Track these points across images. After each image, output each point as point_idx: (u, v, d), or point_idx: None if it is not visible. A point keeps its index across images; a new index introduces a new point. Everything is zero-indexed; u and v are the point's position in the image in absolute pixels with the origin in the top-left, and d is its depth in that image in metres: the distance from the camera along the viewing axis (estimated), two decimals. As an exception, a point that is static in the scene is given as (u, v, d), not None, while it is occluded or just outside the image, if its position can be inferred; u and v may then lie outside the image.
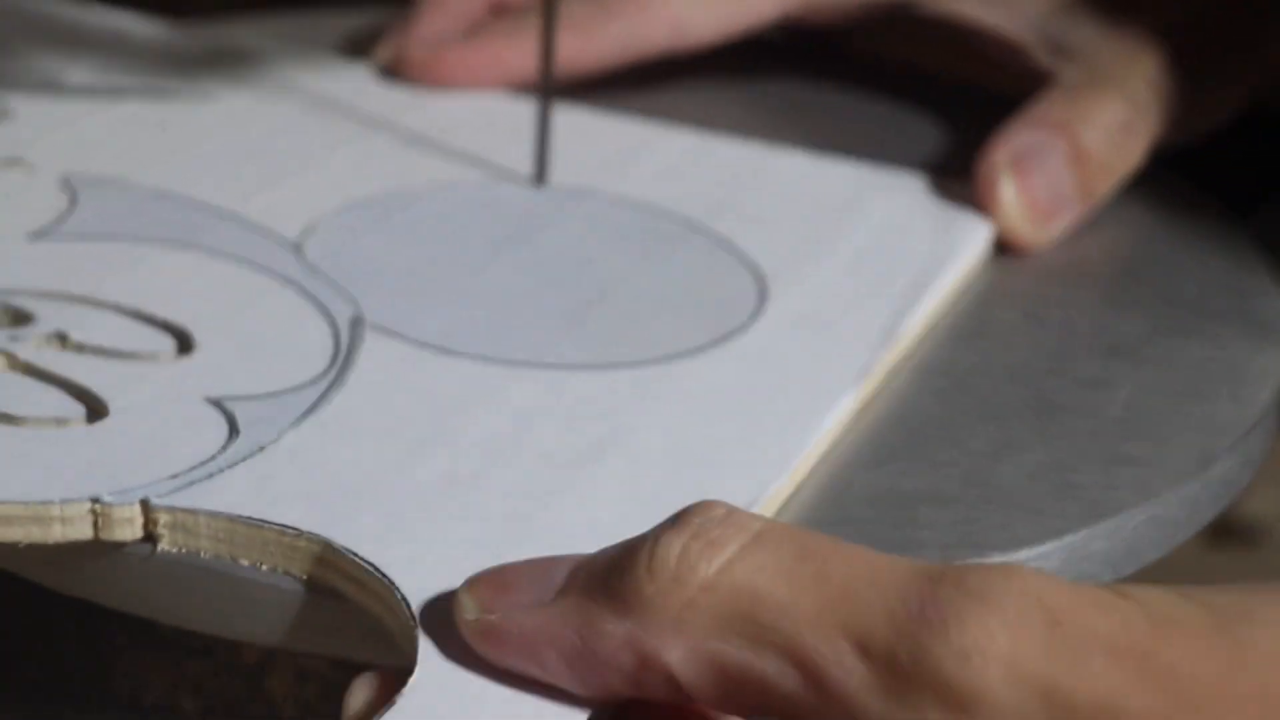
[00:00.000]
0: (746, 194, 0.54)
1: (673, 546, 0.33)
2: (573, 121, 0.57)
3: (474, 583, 0.35)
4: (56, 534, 0.38)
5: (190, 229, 0.49)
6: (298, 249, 0.49)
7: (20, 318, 0.44)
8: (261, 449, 0.40)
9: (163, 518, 0.38)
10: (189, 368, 0.43)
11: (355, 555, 0.37)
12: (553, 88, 0.53)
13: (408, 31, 0.59)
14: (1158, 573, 0.41)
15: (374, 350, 0.45)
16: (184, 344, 0.44)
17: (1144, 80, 0.55)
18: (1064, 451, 0.44)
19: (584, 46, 0.58)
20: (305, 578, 0.38)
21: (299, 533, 0.38)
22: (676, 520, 0.34)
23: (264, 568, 0.38)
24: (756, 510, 0.39)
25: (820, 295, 0.49)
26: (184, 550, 0.38)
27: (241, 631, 0.39)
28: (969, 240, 0.52)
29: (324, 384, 0.43)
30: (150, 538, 0.39)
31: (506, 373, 0.44)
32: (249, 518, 0.38)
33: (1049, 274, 0.52)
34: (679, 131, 0.57)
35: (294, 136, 0.55)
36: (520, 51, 0.58)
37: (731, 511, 0.34)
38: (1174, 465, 0.44)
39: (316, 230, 0.50)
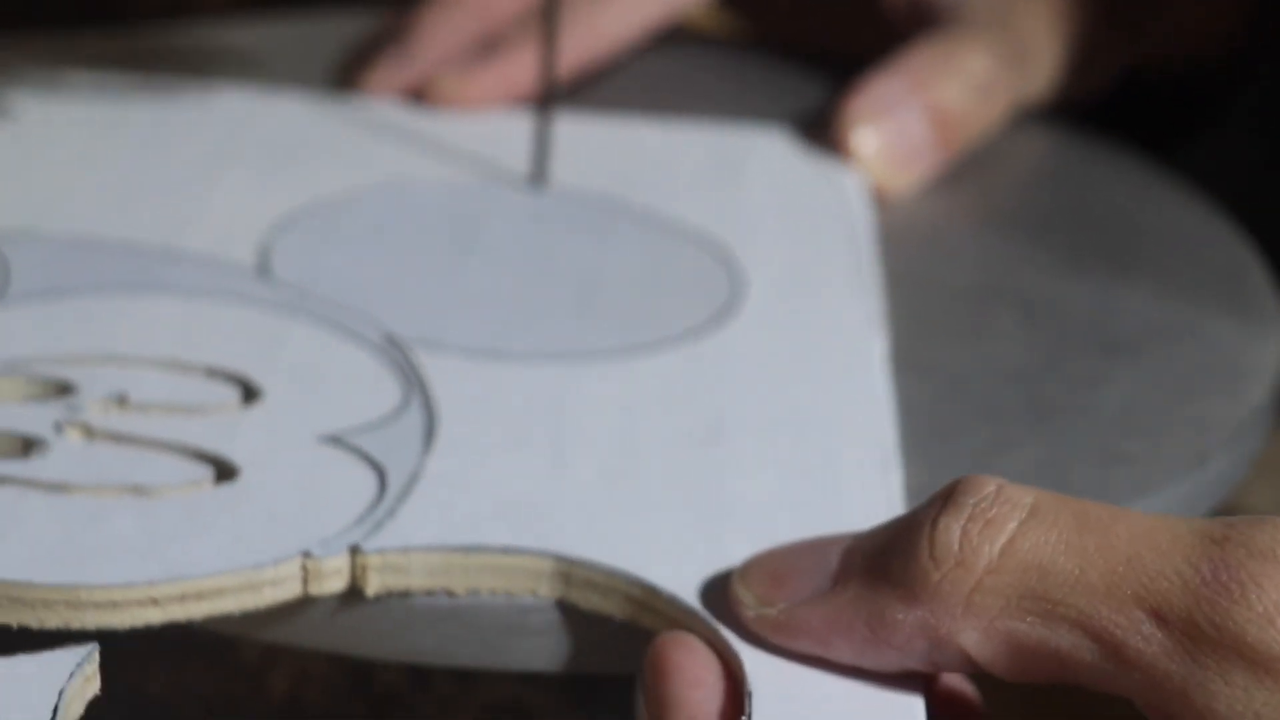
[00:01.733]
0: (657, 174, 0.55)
1: (952, 530, 0.33)
2: (570, 123, 0.57)
3: (746, 576, 0.36)
4: (267, 598, 0.37)
5: (141, 271, 0.47)
6: (265, 271, 0.48)
7: (61, 386, 0.42)
8: (417, 478, 0.40)
9: (372, 561, 0.37)
10: (273, 411, 0.42)
11: (595, 564, 0.37)
12: (553, 90, 0.53)
13: (408, 57, 0.58)
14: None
15: (432, 364, 0.44)
16: (248, 390, 0.43)
17: (1014, 37, 0.57)
18: (1060, 449, 0.44)
19: (587, 42, 0.58)
20: (534, 594, 0.38)
21: (525, 551, 0.38)
22: (948, 501, 0.34)
23: (484, 592, 0.38)
24: (895, 465, 0.41)
25: (780, 263, 0.50)
26: (393, 592, 0.38)
27: (462, 658, 0.38)
28: (852, 186, 0.54)
29: (418, 404, 0.43)
30: (354, 584, 0.38)
31: (567, 368, 0.45)
32: (466, 546, 0.38)
33: (1045, 272, 0.52)
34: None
35: (292, 136, 0.56)
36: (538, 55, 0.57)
37: (1001, 487, 0.34)
38: (1169, 462, 0.44)
39: (302, 234, 0.50)
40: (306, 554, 0.37)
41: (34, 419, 0.41)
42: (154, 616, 0.36)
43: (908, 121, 0.55)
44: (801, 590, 0.35)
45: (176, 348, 0.44)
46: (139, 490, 0.39)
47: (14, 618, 0.36)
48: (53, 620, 0.36)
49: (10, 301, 0.45)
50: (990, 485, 0.34)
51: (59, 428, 0.40)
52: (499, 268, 0.49)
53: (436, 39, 0.59)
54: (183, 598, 0.37)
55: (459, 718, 0.45)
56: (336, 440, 0.41)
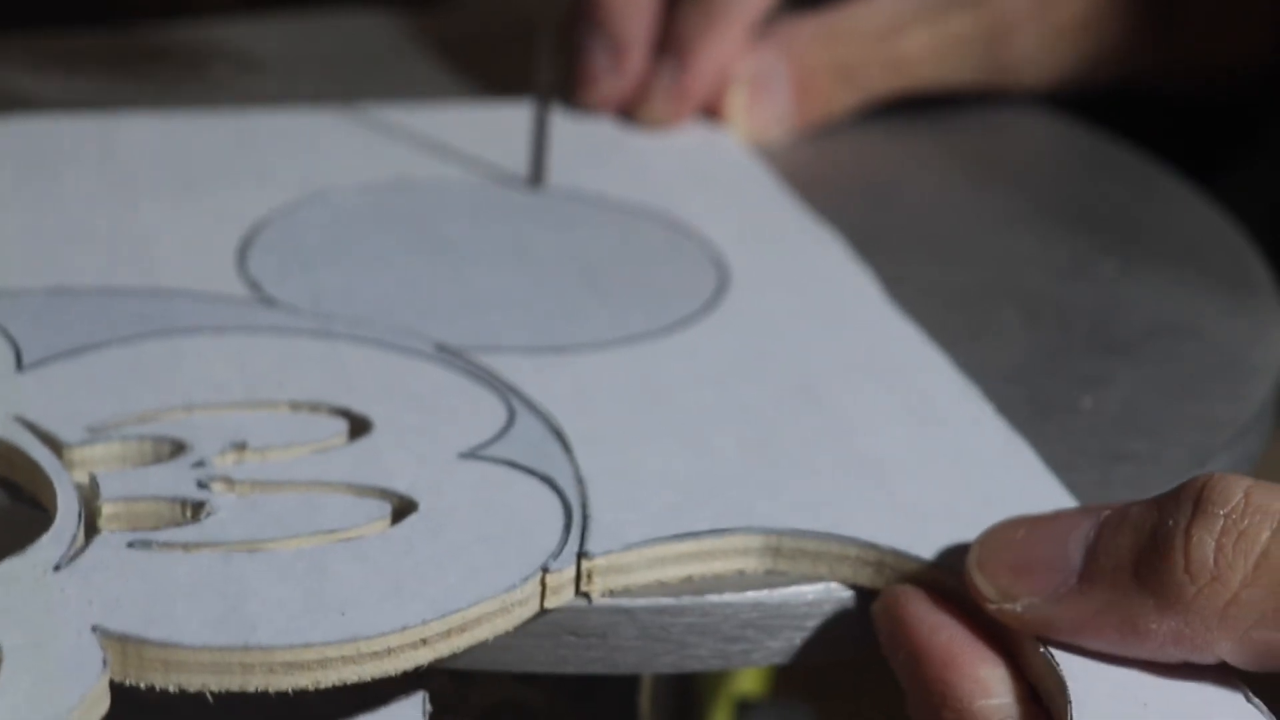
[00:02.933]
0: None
1: (1206, 544, 0.34)
2: (569, 124, 0.57)
3: (984, 566, 0.36)
4: (514, 618, 0.37)
5: (161, 314, 0.45)
6: (270, 280, 0.47)
7: (176, 445, 0.40)
8: (582, 480, 0.40)
9: (598, 565, 0.38)
10: (397, 437, 0.41)
11: (804, 531, 0.38)
12: (549, 89, 0.53)
13: (624, 62, 0.57)
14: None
15: (509, 369, 0.44)
16: (352, 420, 0.42)
17: (888, 27, 0.58)
18: (1062, 449, 0.44)
19: (723, 52, 0.58)
20: (741, 573, 0.38)
21: (734, 530, 0.38)
22: (1198, 509, 0.34)
23: (695, 579, 0.38)
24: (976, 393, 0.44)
25: (743, 232, 0.52)
26: (613, 592, 0.38)
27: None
28: (731, 141, 0.58)
29: (524, 408, 0.42)
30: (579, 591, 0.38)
31: (623, 353, 0.45)
32: (677, 534, 0.38)
33: (1046, 273, 0.52)
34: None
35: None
36: (728, 38, 0.57)
37: (1249, 493, 0.34)
38: (1171, 462, 0.44)
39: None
40: (545, 569, 0.37)
41: (171, 481, 0.39)
42: (424, 657, 0.36)
43: (778, 94, 0.57)
44: (1044, 586, 0.35)
45: (251, 388, 0.42)
46: (325, 533, 0.38)
47: (290, 682, 0.35)
48: (331, 678, 0.35)
49: (38, 363, 0.42)
50: (1238, 491, 0.34)
51: (204, 485, 0.39)
52: (506, 266, 0.49)
53: (637, 32, 0.58)
54: (448, 633, 0.36)
55: (458, 718, 0.45)
56: (478, 456, 0.41)
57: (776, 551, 0.39)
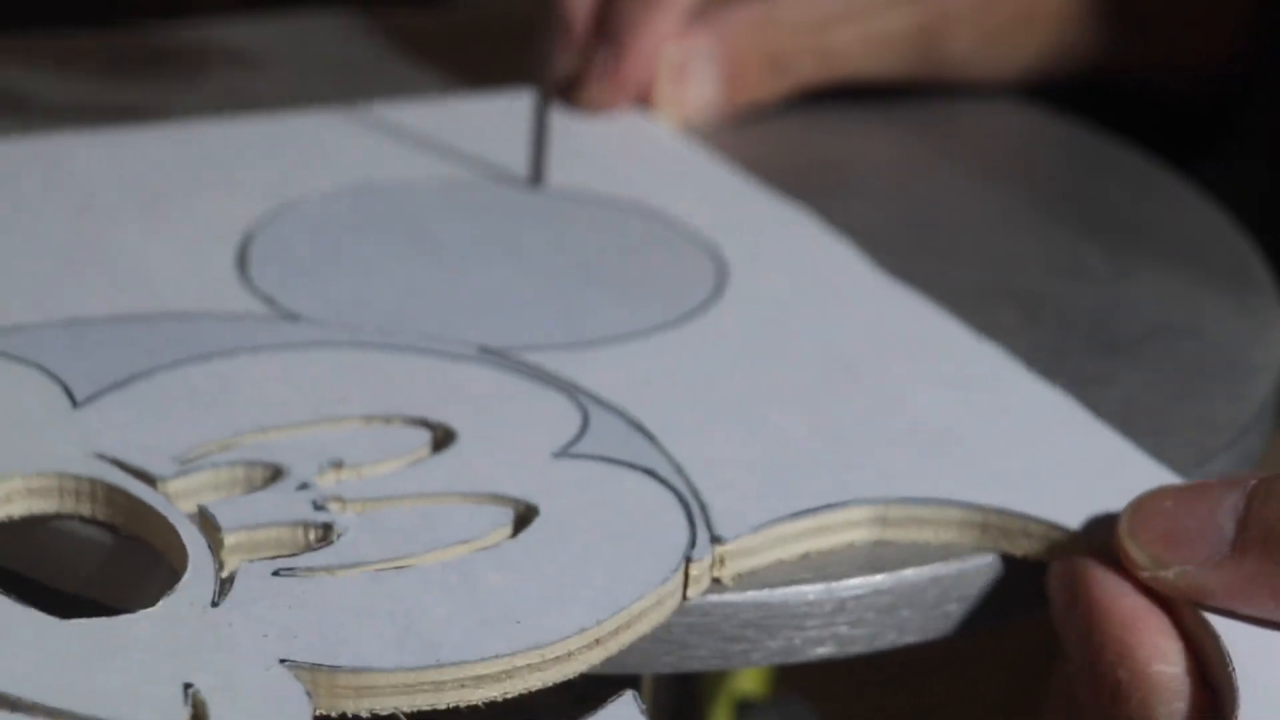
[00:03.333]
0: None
1: None
2: (568, 123, 0.57)
3: (1135, 534, 0.38)
4: (667, 609, 0.38)
5: (202, 337, 0.44)
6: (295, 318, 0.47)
7: (272, 469, 0.40)
8: (681, 469, 0.41)
9: (729, 550, 0.38)
10: (486, 442, 0.41)
11: (914, 498, 0.40)
12: (548, 88, 0.53)
13: (621, 70, 0.58)
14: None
15: (557, 366, 0.44)
16: (436, 430, 0.41)
17: (821, 18, 0.58)
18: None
19: (660, 38, 0.58)
20: (850, 545, 0.40)
21: (844, 504, 0.40)
22: None
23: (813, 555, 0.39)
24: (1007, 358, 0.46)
25: (718, 219, 0.52)
26: (741, 575, 0.39)
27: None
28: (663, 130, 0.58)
29: (602, 406, 0.43)
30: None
31: (657, 341, 0.46)
32: (794, 513, 0.39)
33: (1047, 271, 0.52)
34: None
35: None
36: (665, 23, 0.58)
37: None
38: (1172, 462, 0.44)
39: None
40: (688, 558, 0.38)
41: (285, 506, 0.38)
42: (596, 657, 0.37)
43: (706, 81, 0.58)
44: (1197, 554, 0.37)
45: (315, 405, 0.41)
46: (469, 544, 0.38)
47: (481, 695, 0.35)
48: (517, 687, 0.36)
49: (92, 398, 0.41)
50: None
51: (320, 507, 0.38)
52: (512, 265, 0.49)
53: (580, 13, 0.58)
54: (617, 631, 0.37)
55: (458, 717, 0.45)
56: (571, 455, 0.41)
57: (885, 521, 0.40)
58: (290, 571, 0.37)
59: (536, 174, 0.54)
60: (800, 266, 0.50)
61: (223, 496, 0.39)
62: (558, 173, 0.54)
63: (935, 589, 0.40)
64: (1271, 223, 0.60)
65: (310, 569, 0.37)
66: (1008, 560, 0.40)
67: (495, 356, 0.44)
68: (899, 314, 0.48)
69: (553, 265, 0.50)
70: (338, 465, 0.40)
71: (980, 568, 0.40)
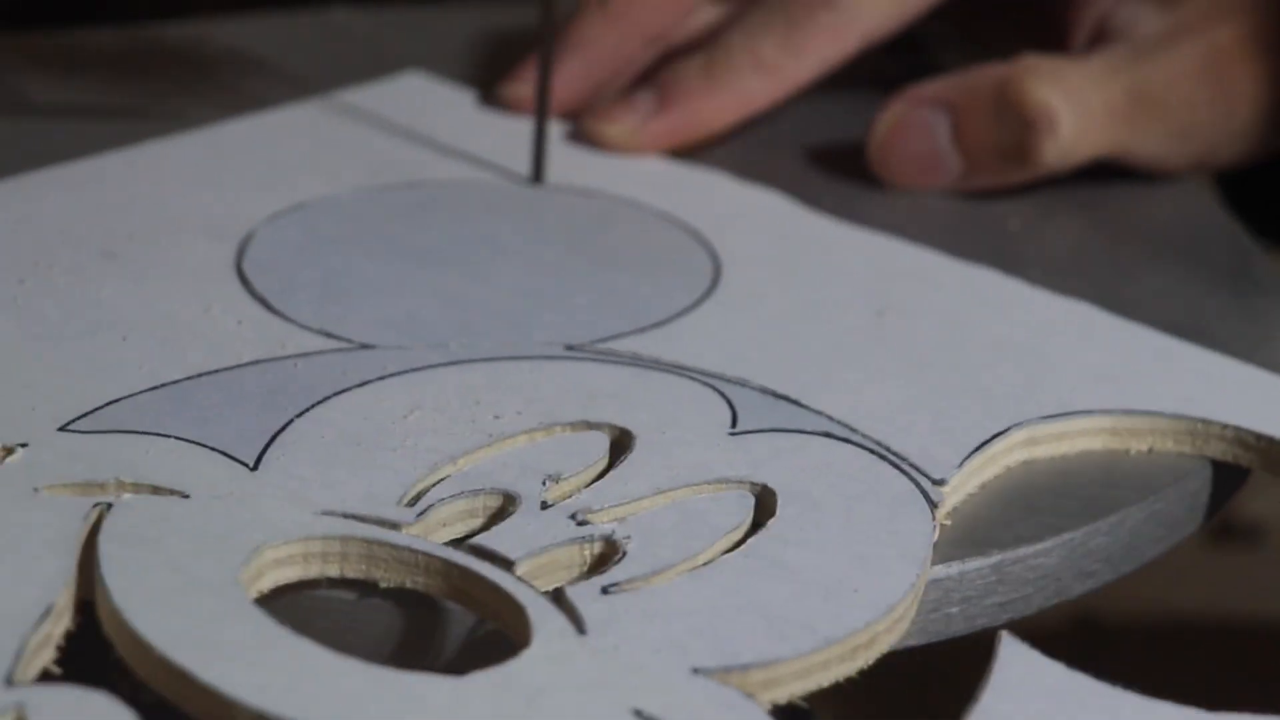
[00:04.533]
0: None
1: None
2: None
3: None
4: (927, 575, 0.39)
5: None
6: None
7: (501, 496, 0.39)
8: (851, 427, 0.43)
9: (942, 511, 0.40)
10: (661, 437, 0.41)
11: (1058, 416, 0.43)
12: (548, 87, 0.53)
13: (566, 75, 0.56)
14: (1158, 571, 0.41)
15: (638, 350, 0.45)
16: (613, 431, 0.42)
17: (1126, 90, 0.54)
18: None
19: (776, 87, 0.56)
20: (1007, 469, 0.43)
21: (996, 437, 0.42)
22: None
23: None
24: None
25: (688, 204, 0.53)
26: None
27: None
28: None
29: (729, 382, 0.44)
30: None
31: (706, 321, 0.47)
32: (975, 457, 0.42)
33: (1049, 273, 0.52)
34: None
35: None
36: (719, 107, 0.56)
37: None
38: (1174, 461, 0.44)
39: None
40: (937, 522, 0.40)
41: (552, 527, 0.38)
42: (899, 631, 0.38)
43: (933, 136, 0.55)
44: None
45: (478, 426, 0.41)
46: (738, 530, 0.39)
47: (848, 670, 0.36)
48: (874, 655, 0.37)
49: (262, 457, 0.40)
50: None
51: (582, 522, 0.39)
52: (525, 263, 0.49)
53: (579, 58, 0.57)
54: (891, 625, 0.37)
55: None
56: (750, 432, 0.42)
57: (1034, 441, 0.43)
58: (617, 587, 0.37)
59: (537, 173, 0.54)
60: (786, 234, 0.52)
61: (464, 531, 0.39)
62: (558, 172, 0.54)
63: (936, 590, 0.39)
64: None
65: (630, 581, 0.37)
66: (1008, 565, 0.40)
67: (588, 351, 0.45)
68: (908, 265, 0.50)
69: (569, 259, 0.50)
70: (556, 479, 0.40)
71: (981, 569, 0.40)
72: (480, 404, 0.42)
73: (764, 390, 0.44)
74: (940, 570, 0.39)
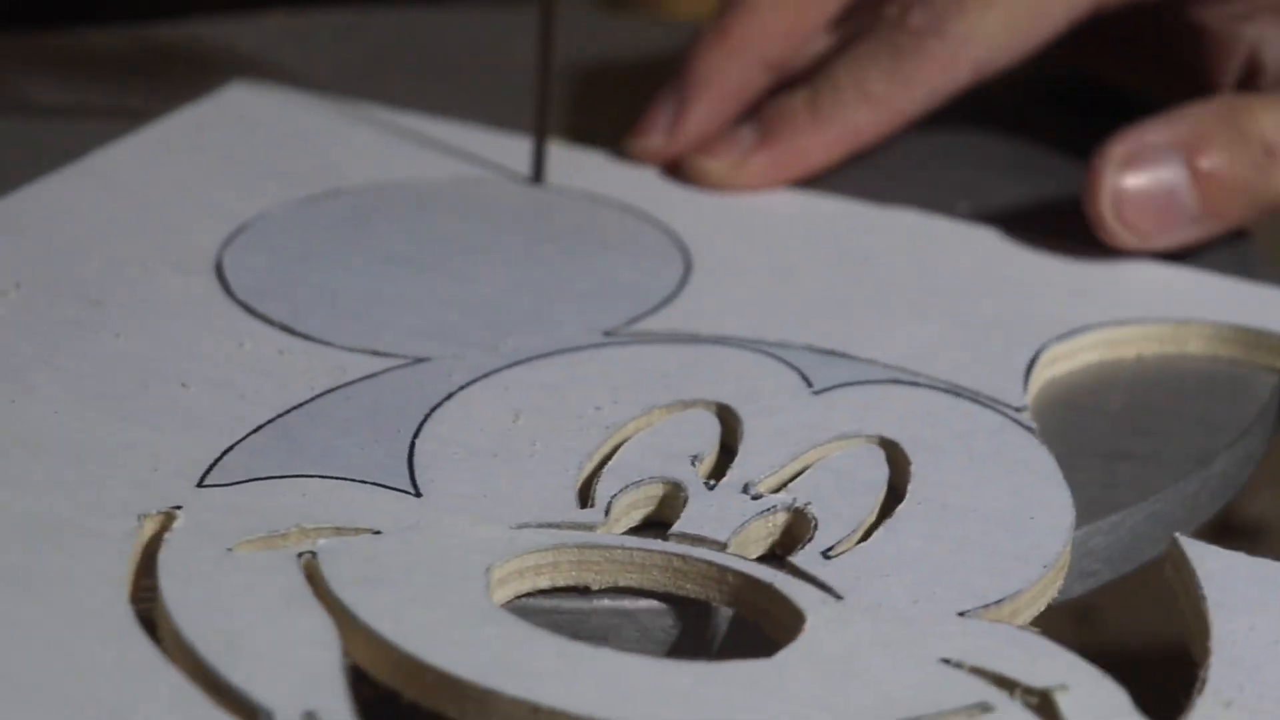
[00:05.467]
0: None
1: None
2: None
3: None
4: None
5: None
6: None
7: (664, 483, 0.40)
8: (906, 368, 0.45)
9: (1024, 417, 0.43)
10: (764, 406, 0.43)
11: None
12: (549, 88, 0.53)
13: (681, 125, 0.55)
14: (1158, 571, 0.41)
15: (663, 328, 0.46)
16: (710, 406, 0.43)
17: None
18: (1064, 448, 0.44)
19: (884, 120, 0.54)
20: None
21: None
22: None
23: None
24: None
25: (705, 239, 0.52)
26: None
27: None
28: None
29: (777, 345, 0.46)
30: None
31: (734, 299, 0.48)
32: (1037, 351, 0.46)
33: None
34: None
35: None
36: (825, 142, 0.54)
37: None
38: (1173, 462, 0.44)
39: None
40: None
41: (728, 506, 0.39)
42: (1061, 580, 0.39)
43: (1168, 177, 0.50)
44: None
45: (584, 416, 0.42)
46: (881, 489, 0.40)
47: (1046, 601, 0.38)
48: (1044, 604, 0.38)
49: (425, 479, 0.40)
50: None
51: (756, 496, 0.40)
52: (528, 261, 0.49)
53: (711, 97, 0.55)
54: (1069, 547, 0.40)
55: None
56: (830, 388, 0.44)
57: (1108, 344, 0.47)
58: (834, 551, 0.38)
59: (537, 172, 0.54)
60: (763, 216, 0.53)
61: (639, 520, 0.40)
62: (557, 171, 0.54)
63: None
64: None
65: (843, 543, 0.39)
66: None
67: (626, 335, 0.46)
68: (875, 231, 0.52)
69: (556, 253, 0.50)
70: (699, 458, 0.41)
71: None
72: (572, 399, 0.43)
73: (811, 349, 0.45)
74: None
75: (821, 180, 0.55)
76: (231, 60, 0.61)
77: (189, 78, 0.59)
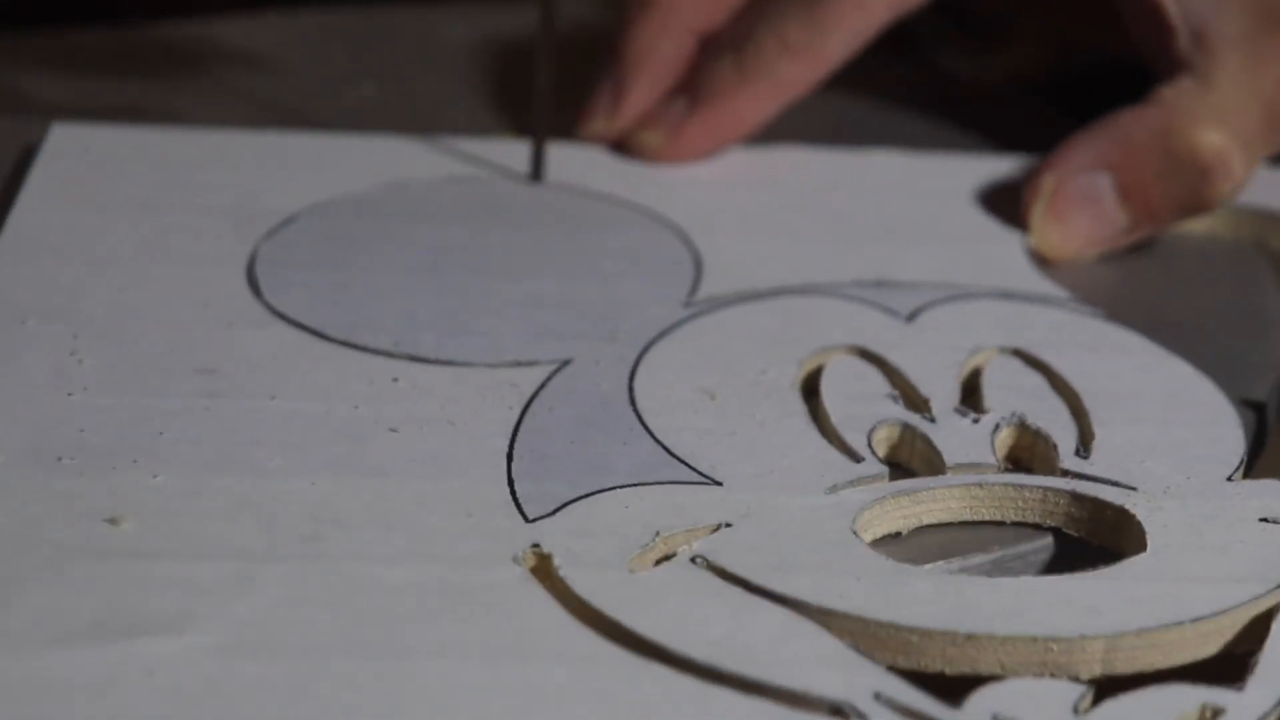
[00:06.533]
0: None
1: None
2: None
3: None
4: None
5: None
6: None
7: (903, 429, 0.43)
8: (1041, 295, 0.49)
9: None
10: (923, 337, 0.46)
11: None
12: (548, 87, 0.53)
13: (621, 105, 0.55)
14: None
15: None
16: (859, 352, 0.45)
17: (1260, 104, 0.52)
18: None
19: (809, 70, 0.55)
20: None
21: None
22: None
23: None
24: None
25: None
26: None
27: None
28: None
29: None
30: None
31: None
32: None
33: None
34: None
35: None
36: (755, 100, 0.55)
37: None
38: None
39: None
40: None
41: (970, 440, 0.42)
42: None
43: (1099, 200, 0.52)
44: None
45: (780, 387, 0.44)
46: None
47: None
48: None
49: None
50: None
51: (1006, 425, 0.43)
52: (537, 261, 0.50)
53: (646, 73, 0.55)
54: None
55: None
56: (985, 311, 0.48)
57: None
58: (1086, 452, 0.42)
59: (537, 171, 0.54)
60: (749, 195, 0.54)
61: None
62: (556, 169, 0.54)
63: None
64: None
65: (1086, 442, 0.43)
66: (1008, 561, 0.40)
67: (702, 304, 0.47)
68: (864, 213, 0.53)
69: (586, 247, 0.50)
70: (896, 397, 0.44)
71: (982, 565, 0.40)
72: (735, 368, 0.44)
73: (861, 283, 0.48)
74: (941, 566, 0.40)
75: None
76: (232, 60, 0.61)
77: (189, 78, 0.60)
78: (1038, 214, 0.52)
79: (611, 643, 0.35)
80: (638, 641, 0.36)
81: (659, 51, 0.56)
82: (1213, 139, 0.51)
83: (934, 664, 0.36)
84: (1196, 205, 0.52)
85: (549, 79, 0.53)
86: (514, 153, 0.54)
